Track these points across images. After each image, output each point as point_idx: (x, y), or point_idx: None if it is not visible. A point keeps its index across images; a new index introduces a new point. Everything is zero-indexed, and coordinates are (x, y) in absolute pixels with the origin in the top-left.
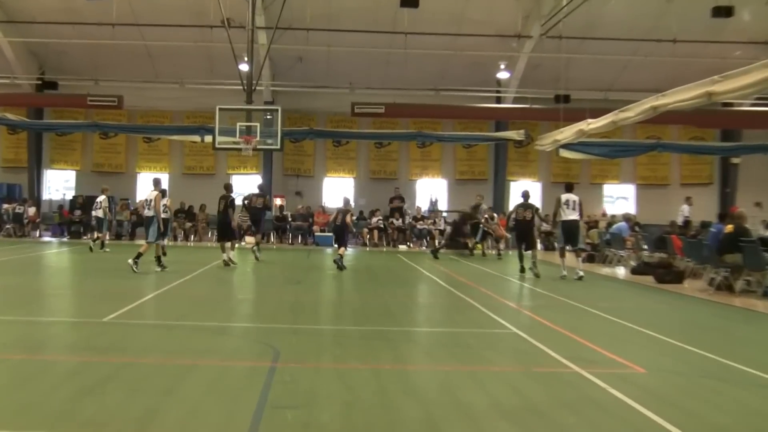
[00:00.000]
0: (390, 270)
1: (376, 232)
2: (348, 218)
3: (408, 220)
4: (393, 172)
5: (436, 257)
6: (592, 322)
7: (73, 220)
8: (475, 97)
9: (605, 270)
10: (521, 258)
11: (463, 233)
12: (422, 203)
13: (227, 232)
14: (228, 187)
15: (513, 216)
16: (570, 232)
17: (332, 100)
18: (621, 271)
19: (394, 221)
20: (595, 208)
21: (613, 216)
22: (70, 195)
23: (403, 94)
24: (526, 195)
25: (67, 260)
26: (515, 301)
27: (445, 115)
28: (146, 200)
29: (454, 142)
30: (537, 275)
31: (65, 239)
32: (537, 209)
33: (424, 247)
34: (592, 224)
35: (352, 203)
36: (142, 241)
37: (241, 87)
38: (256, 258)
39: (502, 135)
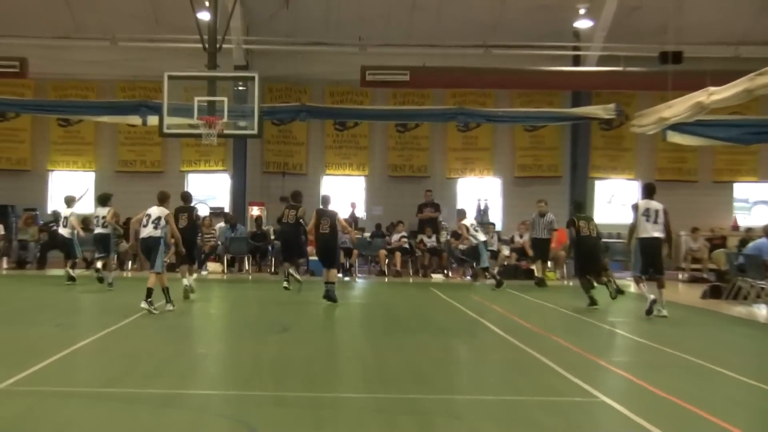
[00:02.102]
0: (419, 310)
1: (398, 255)
2: (340, 222)
3: (445, 236)
4: (422, 168)
5: (499, 285)
6: (723, 389)
7: None
8: (543, 57)
9: (738, 308)
10: (589, 287)
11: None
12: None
13: (190, 255)
14: (187, 197)
15: (571, 230)
16: (652, 254)
17: (334, 63)
18: (763, 311)
19: (425, 239)
20: (722, 219)
21: (749, 229)
22: None
23: (436, 53)
24: (648, 188)
25: None
26: (602, 355)
27: (497, 83)
28: (149, 216)
29: (512, 123)
30: (614, 293)
31: None
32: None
33: (467, 277)
34: (718, 242)
35: (362, 212)
36: (86, 271)
37: (200, 45)
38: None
39: (583, 112)
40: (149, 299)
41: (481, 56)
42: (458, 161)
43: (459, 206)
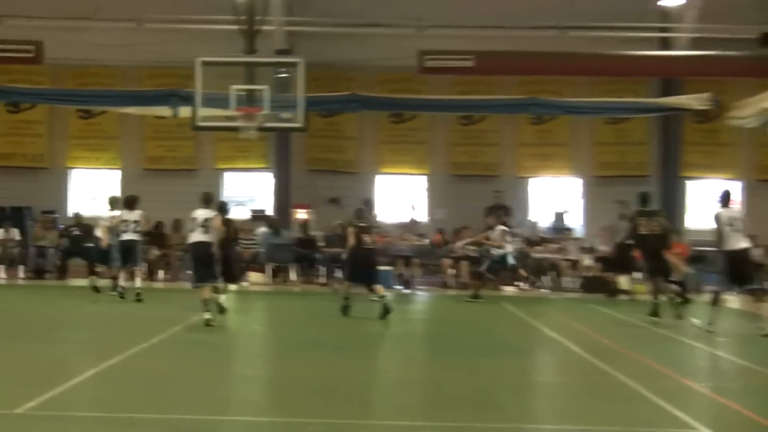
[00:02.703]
0: (488, 327)
1: (464, 264)
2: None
3: (517, 244)
4: (490, 166)
5: (613, 295)
6: None
7: None
8: (625, 40)
9: None
10: (656, 293)
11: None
12: (540, 216)
13: (229, 269)
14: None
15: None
16: (744, 267)
17: (387, 47)
18: None
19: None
20: None
21: None
22: None
23: (504, 36)
24: (726, 196)
25: None
26: (697, 378)
27: (575, 70)
28: (196, 220)
29: (592, 115)
30: (680, 316)
31: None
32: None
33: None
34: None
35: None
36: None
37: (236, 27)
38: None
39: (673, 102)
40: (208, 309)
41: (555, 39)
42: (531, 158)
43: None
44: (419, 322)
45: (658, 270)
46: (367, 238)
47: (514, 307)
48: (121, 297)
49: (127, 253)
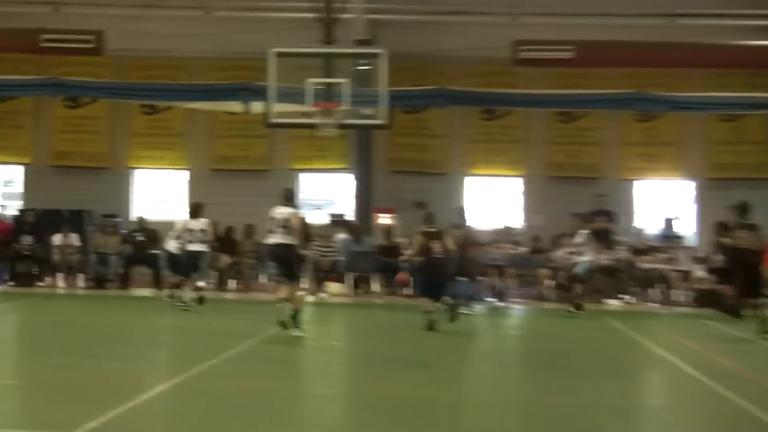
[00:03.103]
0: (591, 344)
1: (564, 274)
2: (447, 241)
3: (621, 253)
4: (592, 167)
5: (736, 315)
6: None
7: (19, 252)
8: (741, 29)
9: None
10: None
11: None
12: (647, 222)
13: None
14: (290, 196)
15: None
16: None
17: (478, 36)
18: None
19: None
20: None
21: None
22: (12, 208)
23: (607, 24)
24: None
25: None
26: None
27: (685, 61)
28: (275, 220)
29: (704, 112)
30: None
31: (7, 285)
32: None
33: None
34: None
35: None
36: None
37: (313, 15)
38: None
39: None
40: (295, 318)
41: (664, 28)
42: (636, 158)
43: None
44: (513, 338)
45: (756, 285)
46: (436, 246)
47: (617, 322)
48: (185, 309)
49: (192, 264)
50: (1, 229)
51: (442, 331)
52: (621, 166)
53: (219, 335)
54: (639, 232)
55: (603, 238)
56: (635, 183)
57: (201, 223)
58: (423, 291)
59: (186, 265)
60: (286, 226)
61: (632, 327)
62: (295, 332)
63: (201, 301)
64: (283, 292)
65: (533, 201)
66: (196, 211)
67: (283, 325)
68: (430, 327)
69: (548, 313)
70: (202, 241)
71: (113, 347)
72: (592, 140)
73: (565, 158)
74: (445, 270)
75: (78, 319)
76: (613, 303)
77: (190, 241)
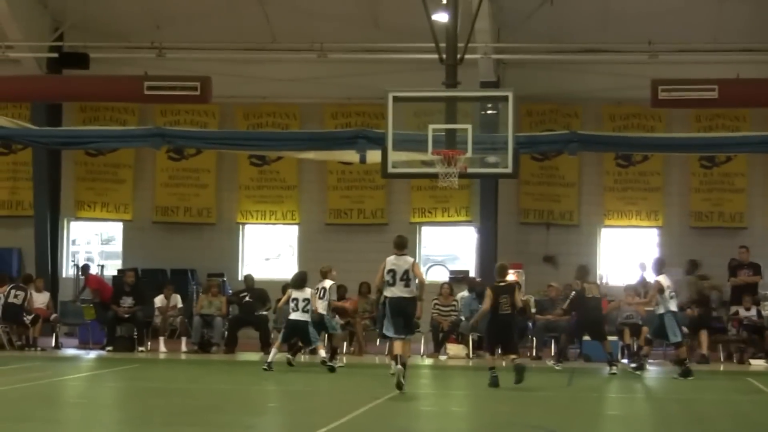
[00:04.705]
0: (734, 407)
1: (704, 333)
2: (517, 296)
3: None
4: (737, 216)
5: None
6: None
7: (119, 315)
8: None
9: None
10: None
11: None
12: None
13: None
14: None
15: None
16: None
17: (614, 75)
18: None
19: (742, 312)
20: None
21: None
22: (112, 268)
23: (754, 60)
24: None
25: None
26: None
27: None
28: (394, 273)
29: None
30: None
31: (105, 351)
32: None
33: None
34: None
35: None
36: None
37: (435, 56)
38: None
39: None
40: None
41: None
42: None
43: None
44: (650, 401)
45: None
46: (505, 300)
47: (764, 384)
48: (267, 369)
49: (294, 332)
50: (101, 290)
51: (571, 394)
52: None
53: (331, 402)
54: None
55: (749, 293)
56: None
57: (306, 293)
58: (490, 347)
59: (288, 333)
60: (405, 279)
61: None
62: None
63: (331, 369)
64: (399, 348)
65: (672, 253)
66: (300, 283)
67: (400, 386)
68: (493, 382)
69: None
70: (305, 310)
71: (217, 415)
72: (737, 187)
73: (708, 207)
74: (511, 326)
75: (180, 386)
76: (757, 363)
77: (295, 310)
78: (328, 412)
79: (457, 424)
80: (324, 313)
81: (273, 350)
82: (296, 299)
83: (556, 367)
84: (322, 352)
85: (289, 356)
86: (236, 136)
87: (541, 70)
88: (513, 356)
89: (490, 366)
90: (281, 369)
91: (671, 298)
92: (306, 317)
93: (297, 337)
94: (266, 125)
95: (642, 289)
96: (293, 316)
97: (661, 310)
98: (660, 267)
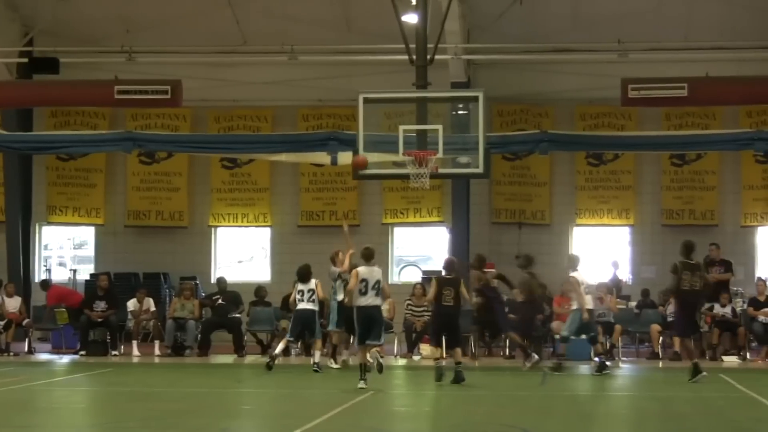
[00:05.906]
0: (707, 406)
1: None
2: (462, 290)
3: (741, 306)
4: (708, 214)
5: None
6: None
7: (91, 319)
8: None
9: None
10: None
11: None
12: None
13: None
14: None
15: None
16: None
17: (584, 75)
18: None
19: (716, 307)
20: None
21: None
22: (85, 272)
23: (724, 58)
24: None
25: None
26: None
27: None
28: (366, 282)
29: None
30: None
31: (79, 355)
32: None
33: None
34: None
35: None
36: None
37: (405, 57)
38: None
39: None
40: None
41: None
42: (758, 203)
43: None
44: (624, 400)
45: None
46: (448, 293)
47: (736, 380)
48: (269, 368)
49: (304, 324)
50: (66, 300)
51: (544, 393)
52: (740, 212)
53: (304, 403)
54: (763, 284)
55: (723, 291)
56: (757, 230)
57: (311, 284)
58: (434, 340)
59: (297, 325)
60: (375, 288)
61: (751, 386)
62: (360, 384)
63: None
64: (364, 356)
65: (643, 252)
66: (305, 276)
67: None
68: (438, 377)
69: (661, 371)
70: (311, 300)
71: (192, 419)
72: (708, 184)
73: (679, 205)
74: (454, 320)
75: (155, 390)
76: (729, 359)
77: (301, 301)
78: (303, 413)
79: (431, 424)
80: (340, 298)
81: (280, 345)
82: (302, 291)
83: (525, 367)
84: (318, 355)
85: (270, 359)
86: (208, 139)
87: (511, 70)
88: (458, 355)
89: (435, 357)
90: (258, 371)
91: (586, 294)
92: (313, 306)
93: (305, 328)
94: (238, 128)
95: (614, 287)
96: (300, 306)
97: (575, 306)
98: (576, 263)
